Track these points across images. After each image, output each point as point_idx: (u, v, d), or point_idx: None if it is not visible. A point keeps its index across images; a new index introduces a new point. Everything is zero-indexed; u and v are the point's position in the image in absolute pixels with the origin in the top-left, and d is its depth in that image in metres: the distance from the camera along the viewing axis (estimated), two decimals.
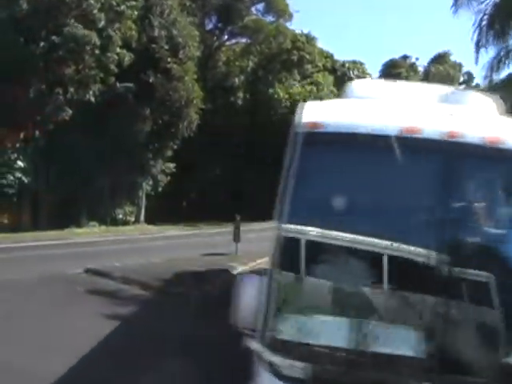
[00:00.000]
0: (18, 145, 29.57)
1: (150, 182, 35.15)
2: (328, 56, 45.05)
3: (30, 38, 27.99)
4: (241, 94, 39.71)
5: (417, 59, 63.02)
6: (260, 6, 42.32)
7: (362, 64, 48.05)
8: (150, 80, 31.70)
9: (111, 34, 27.86)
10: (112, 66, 28.42)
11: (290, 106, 39.96)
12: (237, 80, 39.67)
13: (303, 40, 42.38)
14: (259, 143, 41.70)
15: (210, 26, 40.83)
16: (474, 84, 70.55)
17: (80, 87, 28.63)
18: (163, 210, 36.87)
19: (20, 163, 29.30)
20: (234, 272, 16.71)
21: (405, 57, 61.45)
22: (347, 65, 46.89)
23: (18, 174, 29.28)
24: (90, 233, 30.74)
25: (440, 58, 65.26)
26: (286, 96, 39.91)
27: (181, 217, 37.51)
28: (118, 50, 28.70)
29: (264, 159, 42.68)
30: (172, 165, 35.71)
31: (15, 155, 29.29)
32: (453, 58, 67.28)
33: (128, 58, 29.22)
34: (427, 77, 59.63)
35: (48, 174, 31.35)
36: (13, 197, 29.75)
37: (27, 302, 12.61)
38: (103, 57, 27.87)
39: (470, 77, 68.62)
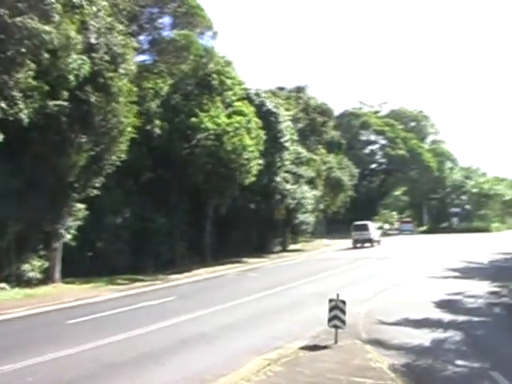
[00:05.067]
0: None
1: (72, 230, 28.19)
2: (240, 83, 41.07)
3: None
4: (158, 122, 34.07)
5: (290, 91, 62.02)
6: (167, 19, 37.03)
7: (274, 93, 45.03)
8: (91, 99, 25.25)
9: (70, 33, 21.25)
10: (71, 77, 21.76)
11: (216, 138, 35.29)
12: (153, 104, 34.00)
13: (222, 63, 38.03)
14: (175, 180, 36.46)
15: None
16: None
17: (14, 102, 21.54)
18: (65, 263, 30.17)
19: None
20: None
21: (281, 88, 60.21)
22: (263, 94, 43.33)
23: None
24: (9, 300, 23.57)
25: (301, 91, 65.49)
26: (214, 126, 35.13)
27: (85, 271, 31.14)
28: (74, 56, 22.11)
29: (180, 202, 37.85)
30: (82, 206, 29.10)
31: None
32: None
33: (88, 66, 22.75)
34: (306, 109, 59.14)
35: None
36: None
37: None
38: (60, 63, 21.15)
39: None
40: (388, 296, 24.85)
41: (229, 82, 38.12)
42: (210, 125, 35.06)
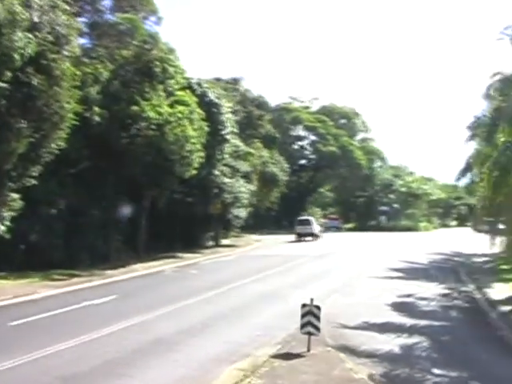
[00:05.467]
0: None
1: (6, 221, 26.56)
2: (182, 72, 39.83)
3: None
4: (97, 109, 32.59)
5: (227, 82, 61.34)
6: (108, 1, 35.59)
7: (212, 84, 44.05)
8: (33, 82, 23.78)
9: (16, 8, 19.83)
10: (16, 56, 20.35)
11: (157, 128, 34.13)
12: (92, 90, 32.53)
13: (165, 50, 36.75)
14: (112, 171, 35.06)
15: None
16: None
17: None
18: None
19: None
20: None
21: (217, 79, 59.40)
22: (205, 84, 42.26)
23: None
24: None
25: (237, 82, 65.01)
26: (156, 116, 33.94)
27: (17, 265, 29.49)
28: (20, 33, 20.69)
29: (116, 193, 36.45)
30: (17, 196, 27.46)
31: None
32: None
33: (34, 45, 21.33)
34: (243, 101, 58.70)
35: None
36: None
37: None
38: (4, 40, 19.72)
39: None
40: (340, 298, 24.61)
41: (171, 70, 36.91)
42: (151, 114, 33.82)
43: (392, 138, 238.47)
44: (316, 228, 66.81)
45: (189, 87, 39.60)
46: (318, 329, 15.13)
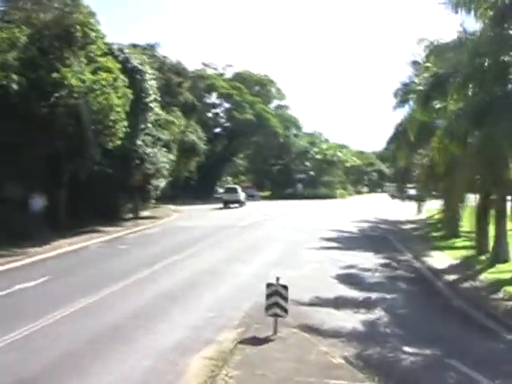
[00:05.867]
0: None
1: None
2: (103, 37, 37.91)
3: None
4: (15, 77, 30.54)
5: (145, 48, 59.29)
6: None
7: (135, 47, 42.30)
8: None
9: None
10: None
11: (81, 96, 32.49)
12: (9, 57, 30.44)
13: (86, 14, 34.77)
14: (32, 143, 33.13)
15: None
16: None
17: None
18: None
19: None
20: None
21: (134, 45, 57.21)
22: (127, 50, 40.46)
23: None
24: None
25: (153, 48, 63.31)
26: (79, 83, 32.20)
27: None
28: None
29: (35, 166, 34.53)
30: None
31: None
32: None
33: None
34: (161, 68, 57.34)
35: None
36: None
37: None
38: None
39: None
40: (283, 271, 24.03)
41: (93, 34, 35.04)
42: (73, 81, 32.05)
43: (306, 106, 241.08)
44: (242, 196, 74.69)
45: (111, 53, 37.92)
46: (285, 311, 14.64)
